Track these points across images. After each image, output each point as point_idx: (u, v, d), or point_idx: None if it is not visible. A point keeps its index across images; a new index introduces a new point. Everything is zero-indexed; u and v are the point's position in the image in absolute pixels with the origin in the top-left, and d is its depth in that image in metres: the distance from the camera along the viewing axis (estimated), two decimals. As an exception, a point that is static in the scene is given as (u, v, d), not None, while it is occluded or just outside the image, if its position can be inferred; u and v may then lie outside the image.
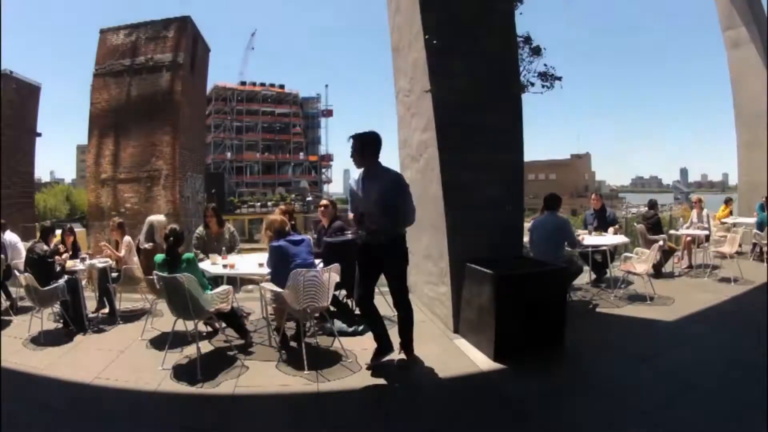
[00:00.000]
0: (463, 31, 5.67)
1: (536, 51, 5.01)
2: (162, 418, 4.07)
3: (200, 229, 7.13)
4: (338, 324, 5.68)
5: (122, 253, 7.21)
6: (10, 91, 24.78)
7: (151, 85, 24.90)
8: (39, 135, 27.63)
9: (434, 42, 5.56)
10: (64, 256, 6.90)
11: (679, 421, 3.65)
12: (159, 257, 5.32)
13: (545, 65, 4.94)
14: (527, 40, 5.08)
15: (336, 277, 5.05)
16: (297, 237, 5.30)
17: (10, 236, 8.06)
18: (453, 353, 5.07)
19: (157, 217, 6.67)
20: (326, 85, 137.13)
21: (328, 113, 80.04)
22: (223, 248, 6.75)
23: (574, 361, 4.97)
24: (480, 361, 4.79)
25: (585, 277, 7.82)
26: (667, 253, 8.59)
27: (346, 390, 4.32)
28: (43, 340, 5.85)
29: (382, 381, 4.47)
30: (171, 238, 5.28)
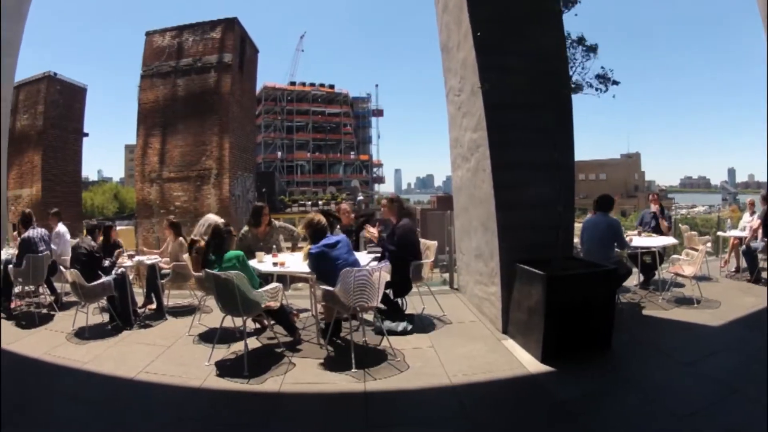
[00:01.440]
0: (511, 30, 5.60)
1: (592, 49, 4.87)
2: (206, 414, 4.13)
3: (245, 229, 7.24)
4: (387, 323, 5.69)
5: (169, 249, 7.43)
6: (55, 93, 25.98)
7: (200, 85, 25.30)
8: (86, 135, 28.81)
9: (479, 34, 5.52)
10: (117, 251, 7.07)
11: (721, 427, 3.56)
12: (210, 255, 5.41)
13: (602, 67, 4.81)
14: (581, 40, 4.94)
15: (386, 276, 5.04)
16: (333, 239, 5.30)
17: (62, 229, 8.35)
18: (500, 353, 5.03)
19: (215, 217, 6.76)
20: (376, 85, 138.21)
21: (379, 113, 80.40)
22: (274, 246, 6.88)
23: (620, 364, 4.86)
24: (527, 362, 4.74)
25: (634, 279, 7.64)
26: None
27: (392, 390, 4.31)
28: (88, 334, 5.98)
29: (427, 381, 4.45)
30: (222, 237, 5.38)
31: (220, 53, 25.47)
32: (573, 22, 5.25)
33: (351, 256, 5.29)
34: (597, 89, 4.94)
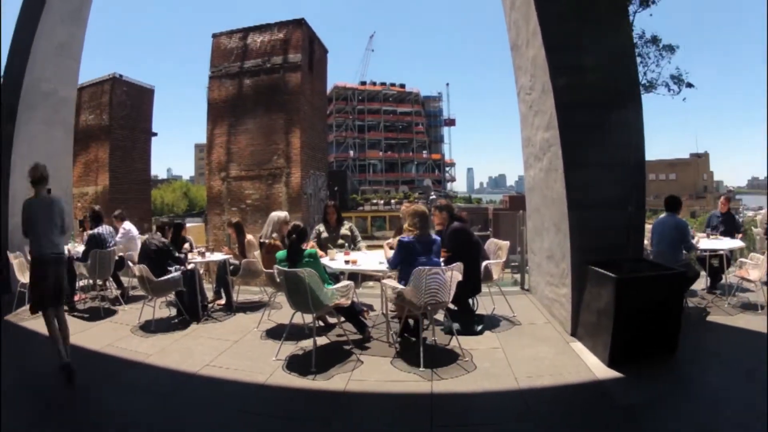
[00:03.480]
0: (581, 26, 5.51)
1: (669, 49, 4.74)
2: (269, 409, 4.18)
3: (320, 226, 7.42)
4: (457, 323, 5.69)
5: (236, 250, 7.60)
6: (122, 94, 27.06)
7: (269, 85, 25.54)
8: (155, 134, 29.87)
9: (553, 32, 5.44)
10: (186, 245, 7.27)
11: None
12: (281, 252, 5.51)
13: (677, 68, 4.69)
14: (654, 39, 4.80)
15: (458, 276, 5.01)
16: (429, 237, 5.32)
17: (129, 226, 8.66)
18: (568, 356, 4.96)
19: (279, 213, 6.82)
20: (447, 84, 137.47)
21: (451, 122, 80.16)
22: (346, 244, 7.03)
23: (684, 370, 4.69)
24: (594, 365, 4.66)
25: (701, 282, 7.36)
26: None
27: (459, 390, 4.31)
28: (154, 327, 6.17)
29: (494, 382, 4.43)
30: (293, 234, 5.44)
31: (289, 54, 25.63)
32: (650, 22, 5.11)
33: (435, 258, 5.27)
34: (670, 89, 4.80)
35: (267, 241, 6.14)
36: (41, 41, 8.88)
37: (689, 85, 4.73)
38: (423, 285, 4.80)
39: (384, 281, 5.43)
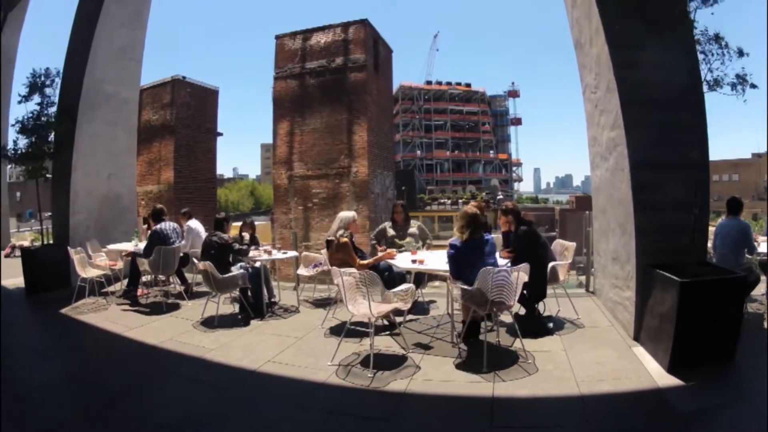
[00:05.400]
0: (643, 23, 5.36)
1: (739, 52, 4.55)
2: (327, 405, 4.21)
3: (386, 224, 7.53)
4: (522, 324, 5.63)
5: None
6: (185, 95, 27.91)
7: (334, 86, 25.59)
8: (220, 134, 30.65)
9: (616, 29, 5.33)
10: (256, 247, 7.33)
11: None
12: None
13: (743, 68, 4.46)
14: (717, 37, 4.61)
15: (524, 277, 4.98)
16: (483, 237, 5.32)
17: (194, 224, 8.80)
18: (629, 360, 4.86)
19: (346, 213, 6.75)
20: (512, 83, 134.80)
21: (517, 122, 78.98)
22: (413, 242, 7.10)
23: (741, 379, 4.51)
24: (654, 370, 4.55)
25: (762, 287, 6.97)
26: None
27: (520, 392, 4.28)
28: (217, 323, 6.31)
29: (555, 385, 4.40)
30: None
31: (354, 54, 25.64)
32: (714, 20, 4.91)
33: (490, 258, 5.27)
34: (734, 89, 4.60)
35: (334, 239, 6.26)
36: (101, 44, 9.34)
37: (753, 86, 4.46)
38: (489, 285, 4.80)
39: (450, 281, 5.42)
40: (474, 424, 3.88)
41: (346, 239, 6.15)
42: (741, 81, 4.61)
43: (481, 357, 4.77)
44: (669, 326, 4.50)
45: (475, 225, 5.28)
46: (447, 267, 5.52)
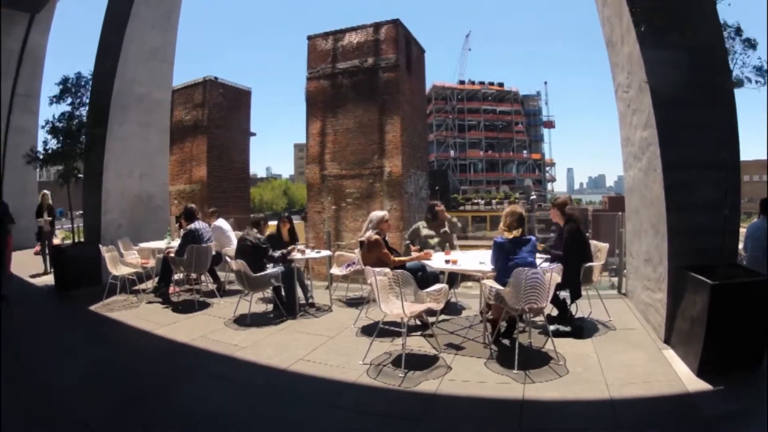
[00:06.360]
0: (673, 21, 5.26)
1: (751, 45, 4.42)
2: (357, 404, 4.22)
3: (421, 223, 7.50)
4: (555, 325, 5.67)
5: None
6: (218, 96, 28.40)
7: (367, 86, 25.68)
8: (253, 134, 31.25)
9: (642, 29, 5.25)
10: (291, 247, 7.17)
11: None
12: None
13: (759, 59, 4.34)
14: (738, 31, 4.51)
15: (557, 278, 4.97)
16: (523, 238, 5.32)
17: (221, 223, 8.84)
18: (659, 364, 4.79)
19: (378, 213, 6.76)
20: (545, 82, 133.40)
21: (549, 124, 77.98)
22: (447, 244, 7.09)
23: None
24: (684, 374, 4.48)
25: None
26: None
27: (550, 394, 4.26)
28: (249, 321, 6.35)
29: (585, 387, 4.36)
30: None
31: (387, 54, 25.68)
32: (731, 12, 4.81)
33: (530, 257, 5.25)
34: (756, 82, 4.49)
35: (365, 238, 6.28)
36: (131, 46, 9.49)
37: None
38: (522, 285, 4.78)
39: (484, 281, 5.39)
40: (502, 426, 3.88)
41: (377, 237, 6.19)
42: (759, 72, 4.51)
43: (512, 358, 4.75)
44: (699, 329, 4.43)
45: (520, 223, 5.33)
46: (480, 267, 5.55)
